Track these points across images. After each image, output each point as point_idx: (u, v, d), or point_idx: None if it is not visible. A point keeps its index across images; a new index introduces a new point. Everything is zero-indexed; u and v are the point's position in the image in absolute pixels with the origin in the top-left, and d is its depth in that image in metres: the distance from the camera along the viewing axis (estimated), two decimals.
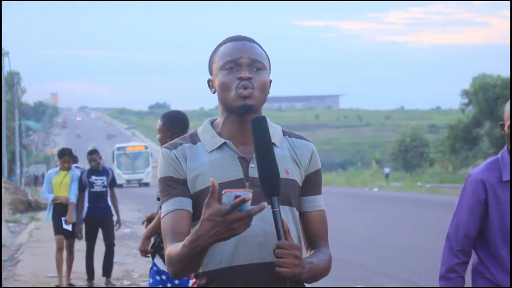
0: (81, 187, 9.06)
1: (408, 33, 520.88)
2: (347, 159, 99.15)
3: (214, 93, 2.30)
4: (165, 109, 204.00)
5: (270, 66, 2.34)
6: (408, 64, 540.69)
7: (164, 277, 4.44)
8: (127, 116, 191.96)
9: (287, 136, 2.35)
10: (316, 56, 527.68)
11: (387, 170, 61.20)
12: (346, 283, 9.00)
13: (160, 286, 4.44)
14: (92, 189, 9.05)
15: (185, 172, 2.25)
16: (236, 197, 1.95)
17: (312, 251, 2.34)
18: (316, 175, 2.35)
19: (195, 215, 2.25)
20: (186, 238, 2.07)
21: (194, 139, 2.31)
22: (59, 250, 8.81)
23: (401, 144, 65.44)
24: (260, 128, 2.16)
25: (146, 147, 49.96)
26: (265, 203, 1.98)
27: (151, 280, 4.50)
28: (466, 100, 48.09)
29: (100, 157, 9.27)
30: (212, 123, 2.36)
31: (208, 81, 2.34)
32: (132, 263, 10.37)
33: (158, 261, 4.50)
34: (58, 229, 8.87)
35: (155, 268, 4.50)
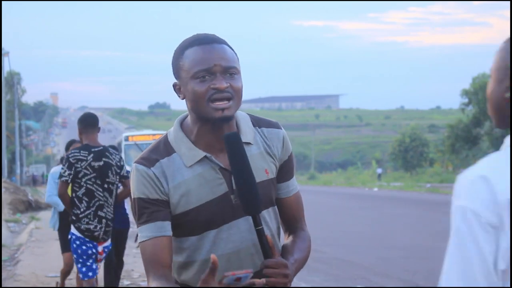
0: None
1: (408, 33, 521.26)
2: (347, 159, 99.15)
3: (182, 99, 2.16)
4: (165, 109, 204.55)
5: (239, 64, 2.19)
6: (408, 64, 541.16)
7: (78, 242, 5.97)
8: (127, 116, 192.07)
9: (257, 127, 2.26)
10: (316, 56, 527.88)
11: (379, 170, 61.35)
12: (346, 283, 9.00)
13: (82, 248, 5.96)
14: None
15: (166, 192, 2.14)
16: (237, 279, 1.94)
17: (290, 237, 2.33)
18: (288, 161, 2.31)
19: (179, 233, 2.20)
20: None
21: (168, 149, 2.17)
22: (68, 272, 7.58)
23: (401, 144, 65.42)
24: (235, 147, 2.07)
25: None
26: (264, 280, 2.03)
27: (74, 245, 5.98)
28: (466, 100, 48.10)
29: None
30: (182, 124, 2.22)
31: (174, 86, 2.18)
32: (132, 263, 10.36)
33: (73, 230, 5.98)
34: (68, 244, 7.18)
35: (73, 237, 5.98)
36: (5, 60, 39.22)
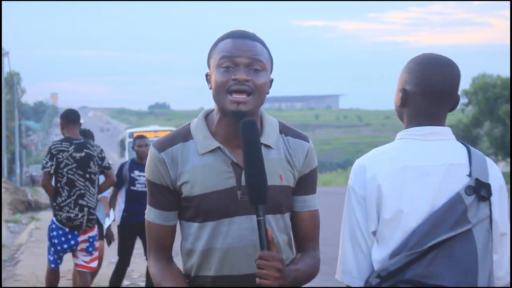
0: (118, 183, 7.37)
1: (408, 33, 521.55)
2: (347, 159, 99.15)
3: (210, 89, 2.19)
4: (165, 109, 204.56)
5: (272, 65, 2.21)
6: None
7: (56, 233, 6.22)
8: (127, 116, 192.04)
9: (284, 135, 2.25)
10: (316, 56, 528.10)
11: None
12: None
13: (56, 241, 6.21)
14: (133, 187, 7.41)
15: (172, 178, 2.18)
16: None
17: (299, 254, 2.29)
18: (310, 176, 2.28)
19: (185, 216, 2.23)
20: None
21: (187, 136, 2.20)
22: (100, 258, 7.23)
23: None
24: (249, 133, 2.06)
25: None
26: None
27: (51, 234, 6.26)
28: (465, 100, 48.09)
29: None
30: (207, 116, 2.24)
31: (206, 75, 2.22)
32: (132, 263, 10.35)
33: (55, 221, 6.22)
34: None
35: (53, 226, 6.26)
36: (5, 60, 39.21)
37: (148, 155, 2.22)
